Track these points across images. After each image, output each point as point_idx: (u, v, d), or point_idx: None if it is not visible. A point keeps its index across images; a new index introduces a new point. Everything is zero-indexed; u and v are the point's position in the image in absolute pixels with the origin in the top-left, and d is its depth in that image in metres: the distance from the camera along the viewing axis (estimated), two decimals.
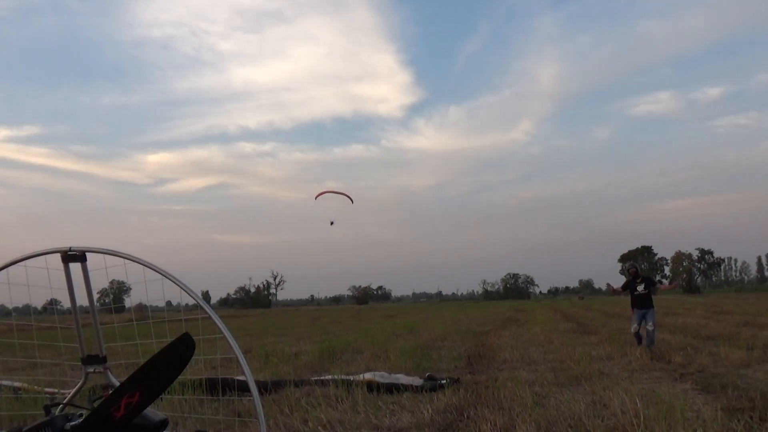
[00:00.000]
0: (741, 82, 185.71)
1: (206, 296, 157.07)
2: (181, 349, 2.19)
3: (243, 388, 8.13)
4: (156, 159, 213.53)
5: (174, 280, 2.67)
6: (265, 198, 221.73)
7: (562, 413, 6.09)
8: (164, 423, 2.30)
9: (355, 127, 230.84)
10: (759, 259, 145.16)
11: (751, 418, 5.51)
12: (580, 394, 7.33)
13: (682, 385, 7.94)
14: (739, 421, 5.37)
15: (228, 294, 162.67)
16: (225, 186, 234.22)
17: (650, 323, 12.25)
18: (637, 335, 12.61)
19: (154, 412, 2.32)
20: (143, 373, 2.15)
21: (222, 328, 2.54)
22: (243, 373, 9.78)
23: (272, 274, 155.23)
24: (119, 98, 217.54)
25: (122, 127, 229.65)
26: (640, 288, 12.65)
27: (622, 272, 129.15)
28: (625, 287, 13.23)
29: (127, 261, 2.83)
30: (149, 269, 2.78)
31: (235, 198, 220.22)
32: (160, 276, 2.80)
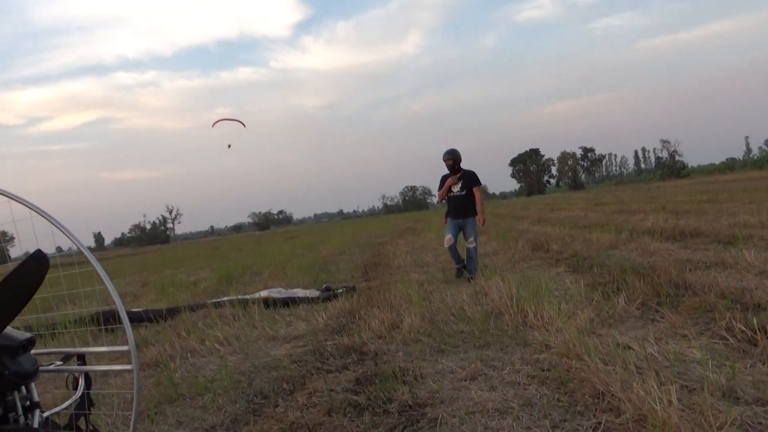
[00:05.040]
0: None
1: (99, 238, 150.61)
2: (34, 266, 2.19)
3: (137, 318, 8.10)
4: (26, 96, 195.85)
5: (44, 215, 2.53)
6: (152, 130, 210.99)
7: (446, 304, 6.52)
8: (31, 341, 2.32)
9: (242, 49, 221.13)
10: (636, 153, 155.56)
11: (609, 288, 6.14)
12: (464, 287, 7.83)
13: (557, 269, 8.64)
14: (598, 292, 5.98)
15: (123, 233, 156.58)
16: (106, 121, 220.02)
17: (471, 238, 8.80)
18: (453, 251, 9.02)
19: (18, 331, 2.34)
20: None
21: (87, 255, 2.51)
22: (135, 306, 9.62)
23: (167, 208, 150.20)
24: None
25: None
26: (457, 189, 8.91)
27: (513, 176, 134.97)
28: (442, 187, 9.07)
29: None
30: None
31: (118, 133, 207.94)
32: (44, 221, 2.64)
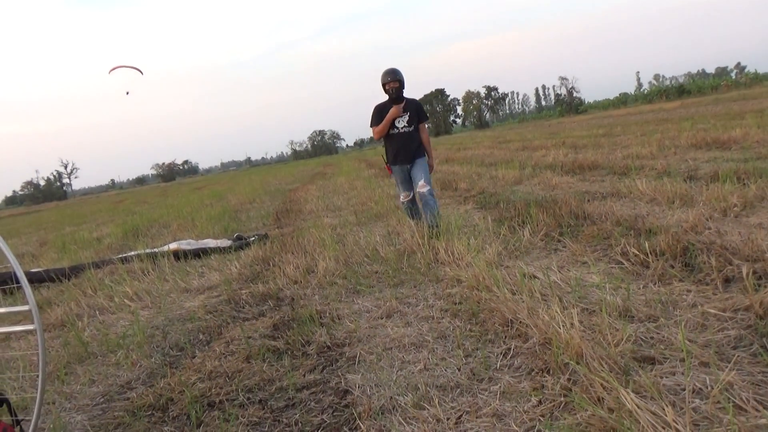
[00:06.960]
0: None
1: None
2: None
3: (38, 279, 7.75)
4: None
5: None
6: (39, 76, 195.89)
7: (360, 246, 6.58)
8: None
9: None
10: (536, 90, 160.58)
11: (515, 222, 6.39)
12: (377, 229, 7.91)
13: (465, 207, 8.87)
14: (505, 226, 6.20)
15: (14, 191, 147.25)
16: None
17: (422, 180, 6.35)
18: (412, 208, 6.74)
19: None
20: None
21: None
22: (35, 267, 9.19)
23: (61, 163, 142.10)
24: None
25: None
26: (402, 124, 6.42)
27: None
28: (381, 120, 6.38)
29: None
30: None
31: None
32: None
